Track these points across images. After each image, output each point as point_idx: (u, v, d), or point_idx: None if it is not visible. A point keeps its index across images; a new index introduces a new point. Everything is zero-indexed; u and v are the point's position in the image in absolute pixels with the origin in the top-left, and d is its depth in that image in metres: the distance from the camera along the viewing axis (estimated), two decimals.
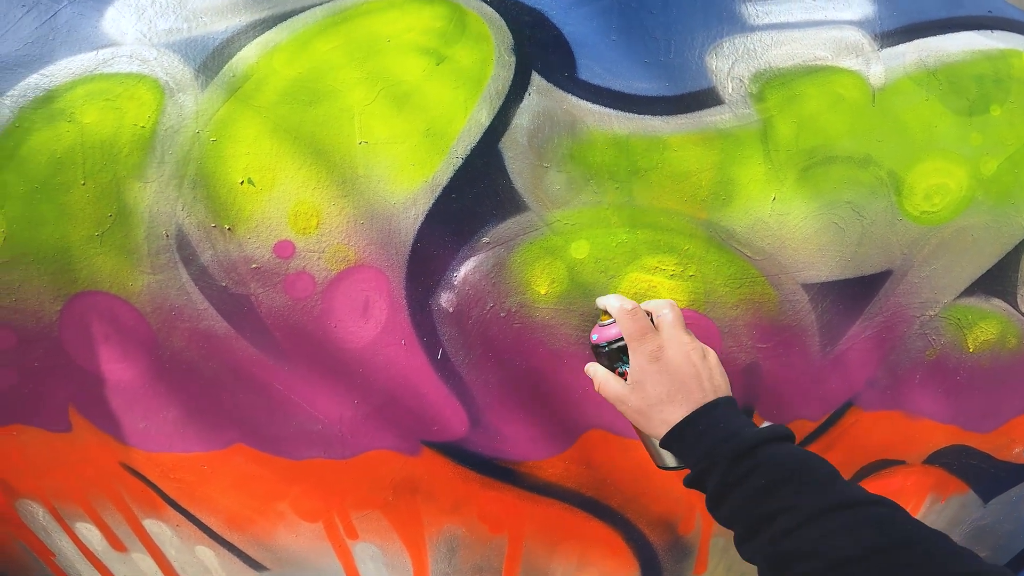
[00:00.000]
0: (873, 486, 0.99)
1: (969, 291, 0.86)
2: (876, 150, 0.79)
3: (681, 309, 0.79)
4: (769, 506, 0.48)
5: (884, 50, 0.78)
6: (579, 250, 0.77)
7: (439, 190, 0.73)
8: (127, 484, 0.81)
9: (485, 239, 0.75)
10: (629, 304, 0.59)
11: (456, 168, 0.73)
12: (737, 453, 0.50)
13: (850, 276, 0.82)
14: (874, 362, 0.86)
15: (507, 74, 0.74)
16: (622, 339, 0.60)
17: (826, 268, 0.81)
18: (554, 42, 0.75)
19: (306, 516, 0.86)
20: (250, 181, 0.68)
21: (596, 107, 0.74)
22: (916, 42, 0.79)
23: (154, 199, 0.67)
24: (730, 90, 0.76)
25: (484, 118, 0.73)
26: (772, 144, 0.77)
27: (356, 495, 0.85)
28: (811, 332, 0.83)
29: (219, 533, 0.86)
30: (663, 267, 0.78)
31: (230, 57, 0.66)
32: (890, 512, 0.47)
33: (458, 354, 0.78)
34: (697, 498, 0.96)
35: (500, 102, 0.73)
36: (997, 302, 0.87)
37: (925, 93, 0.79)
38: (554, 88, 0.74)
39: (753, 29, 0.77)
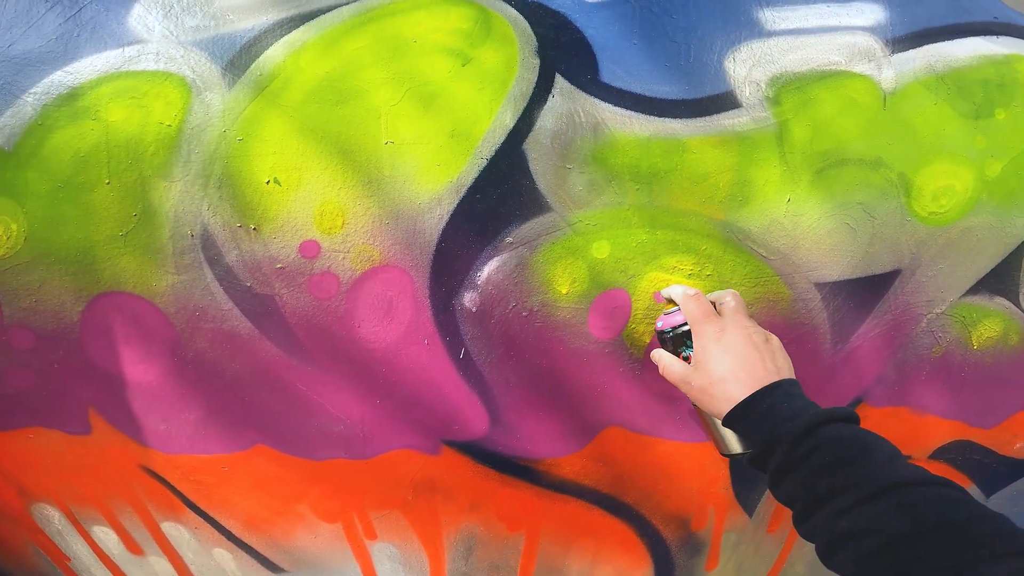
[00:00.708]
0: None
1: (973, 290, 0.85)
2: (887, 153, 0.78)
3: None
4: (828, 484, 0.47)
5: (895, 55, 0.78)
6: (600, 250, 0.75)
7: (464, 190, 0.71)
8: (146, 486, 0.77)
9: (508, 239, 0.73)
10: (692, 290, 0.59)
11: (481, 169, 0.71)
12: (799, 432, 0.49)
13: (861, 275, 0.81)
14: (883, 359, 0.86)
15: (531, 76, 0.72)
16: (685, 325, 0.60)
17: (838, 267, 0.80)
18: (577, 45, 0.73)
19: (326, 517, 0.83)
20: (276, 181, 0.65)
21: (618, 109, 0.73)
22: (925, 47, 0.79)
23: (179, 198, 0.64)
24: (747, 94, 0.75)
25: (508, 119, 0.71)
26: (788, 146, 0.76)
27: (376, 495, 0.83)
28: (823, 330, 0.82)
29: (237, 535, 0.83)
30: (681, 267, 0.76)
31: (257, 55, 0.63)
32: (949, 492, 0.46)
33: (480, 353, 0.76)
34: (710, 495, 0.96)
35: (524, 104, 0.72)
36: (1000, 300, 0.87)
37: (934, 97, 0.79)
38: (577, 90, 0.73)
39: (770, 34, 0.76)
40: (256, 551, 0.85)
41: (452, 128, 0.70)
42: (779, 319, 0.81)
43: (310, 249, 0.69)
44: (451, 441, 0.81)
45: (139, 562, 0.86)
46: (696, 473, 0.89)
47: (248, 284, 0.68)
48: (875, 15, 0.78)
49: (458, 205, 0.71)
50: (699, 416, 0.62)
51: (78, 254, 0.66)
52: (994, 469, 0.98)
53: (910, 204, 0.81)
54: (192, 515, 0.80)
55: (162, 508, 0.79)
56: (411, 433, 0.79)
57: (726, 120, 0.75)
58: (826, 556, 0.49)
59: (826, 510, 0.46)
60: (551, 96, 0.72)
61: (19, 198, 0.65)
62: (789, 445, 0.49)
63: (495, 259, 0.74)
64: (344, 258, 0.70)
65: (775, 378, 0.56)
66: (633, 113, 0.74)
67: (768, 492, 0.79)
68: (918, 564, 0.43)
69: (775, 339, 0.58)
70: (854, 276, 0.81)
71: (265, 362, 0.71)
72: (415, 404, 0.77)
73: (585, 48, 0.74)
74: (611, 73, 0.74)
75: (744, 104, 0.75)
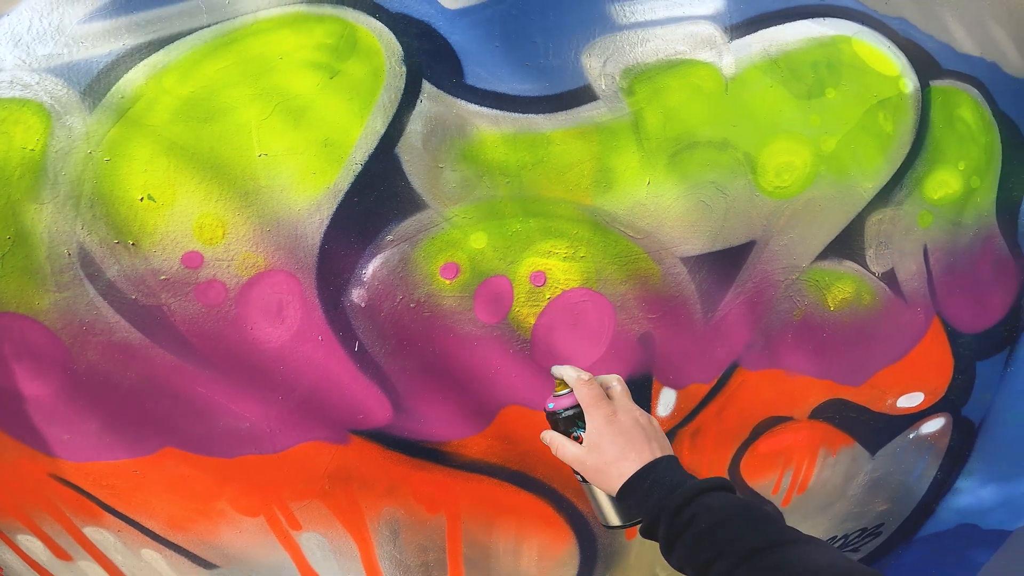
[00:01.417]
0: (769, 443, 1.04)
1: (823, 255, 0.91)
2: (732, 134, 0.83)
3: (575, 288, 0.82)
4: (707, 552, 0.50)
5: (734, 42, 0.83)
6: (478, 241, 0.78)
7: (341, 195, 0.73)
8: (60, 494, 0.78)
9: (389, 237, 0.76)
10: (586, 375, 0.62)
11: (356, 174, 0.73)
12: (679, 503, 0.53)
13: (720, 248, 0.86)
14: (750, 325, 0.91)
15: (399, 83, 0.74)
16: (576, 407, 0.62)
17: (699, 242, 0.85)
18: (442, 51, 0.76)
19: (246, 511, 0.85)
20: (150, 197, 0.67)
21: (484, 109, 0.76)
22: (760, 33, 0.84)
23: (52, 219, 0.65)
24: (604, 86, 0.79)
25: (379, 126, 0.74)
26: (643, 134, 0.80)
27: (292, 487, 0.84)
28: (693, 301, 0.87)
29: (162, 535, 0.84)
30: (556, 251, 0.80)
31: (116, 80, 0.64)
32: (814, 548, 0.48)
33: (375, 345, 0.79)
34: None
35: (394, 110, 0.74)
36: (849, 264, 0.93)
37: (770, 80, 0.84)
38: (444, 94, 0.76)
39: (622, 28, 0.80)
40: (185, 549, 0.86)
41: (324, 138, 0.72)
42: (652, 293, 0.85)
43: (193, 260, 0.70)
44: (358, 430, 0.83)
45: (70, 567, 0.86)
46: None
47: (133, 297, 0.69)
48: (715, 3, 0.83)
49: (337, 209, 0.74)
50: (586, 491, 0.64)
51: None
52: (871, 426, 1.05)
53: (757, 180, 0.86)
54: (113, 519, 0.81)
55: (80, 514, 0.80)
56: (318, 426, 0.81)
57: (585, 112, 0.79)
58: None
59: (712, 573, 0.49)
60: (419, 101, 0.75)
61: None
62: (671, 516, 0.53)
63: (378, 257, 0.76)
64: (229, 266, 0.71)
65: (658, 454, 0.59)
66: (499, 112, 0.77)
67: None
68: None
69: (655, 420, 0.63)
70: (714, 249, 0.86)
71: (161, 369, 0.72)
72: (317, 398, 0.79)
73: (449, 54, 0.76)
74: (475, 76, 0.76)
75: (601, 96, 0.79)
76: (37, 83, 0.62)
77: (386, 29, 0.75)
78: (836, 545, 1.20)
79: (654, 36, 0.81)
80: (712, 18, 0.83)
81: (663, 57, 0.81)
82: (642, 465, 0.57)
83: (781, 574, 0.46)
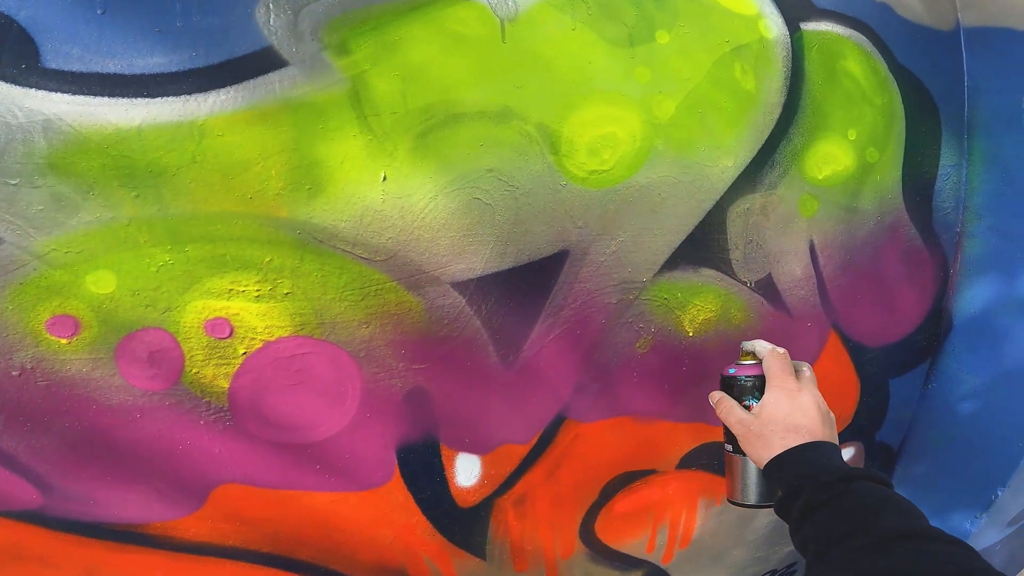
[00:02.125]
0: (628, 502, 0.80)
1: (672, 263, 0.65)
2: (516, 99, 0.56)
3: (285, 338, 0.54)
4: (844, 528, 0.48)
5: None
6: (102, 283, 0.49)
7: None
8: None
9: None
10: (781, 349, 0.60)
11: None
12: (830, 481, 0.51)
13: (515, 264, 0.59)
14: (574, 365, 0.64)
15: None
16: (758, 378, 0.59)
17: (479, 258, 0.58)
18: (4, 32, 0.46)
19: None
20: None
21: (78, 98, 0.47)
22: None
23: None
24: (295, 47, 0.50)
25: None
26: (369, 107, 0.52)
27: None
28: (480, 341, 0.60)
29: None
30: (241, 288, 0.52)
31: None
32: (957, 550, 0.45)
33: None
34: (414, 543, 0.74)
35: None
36: (709, 272, 0.67)
37: (570, 20, 0.57)
38: (8, 85, 0.46)
39: None
40: None
41: None
42: (414, 336, 0.58)
43: None
44: (6, 512, 0.55)
45: None
46: (380, 522, 0.67)
47: None
48: None
49: None
50: (731, 464, 0.61)
51: None
52: None
53: (561, 163, 0.59)
54: None
55: None
56: None
57: (266, 86, 0.50)
58: None
59: (839, 551, 0.46)
60: None
61: None
62: (817, 488, 0.51)
63: None
64: None
65: (827, 439, 0.57)
66: (105, 99, 0.48)
67: (493, 532, 0.70)
68: None
69: (833, 415, 0.60)
70: (505, 266, 0.59)
71: None
72: None
73: (14, 32, 0.47)
74: (62, 56, 0.47)
75: (293, 61, 0.51)
76: None
77: None
78: None
79: None
80: None
81: None
82: (808, 441, 0.56)
83: (915, 566, 0.43)
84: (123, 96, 0.48)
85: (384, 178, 0.53)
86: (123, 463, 0.57)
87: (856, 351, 0.80)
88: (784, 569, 1.04)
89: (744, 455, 0.59)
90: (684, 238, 0.64)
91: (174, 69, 0.49)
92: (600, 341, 0.64)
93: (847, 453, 0.90)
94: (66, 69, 0.47)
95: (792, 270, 0.72)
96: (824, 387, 0.62)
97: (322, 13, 0.51)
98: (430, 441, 0.63)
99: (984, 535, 0.92)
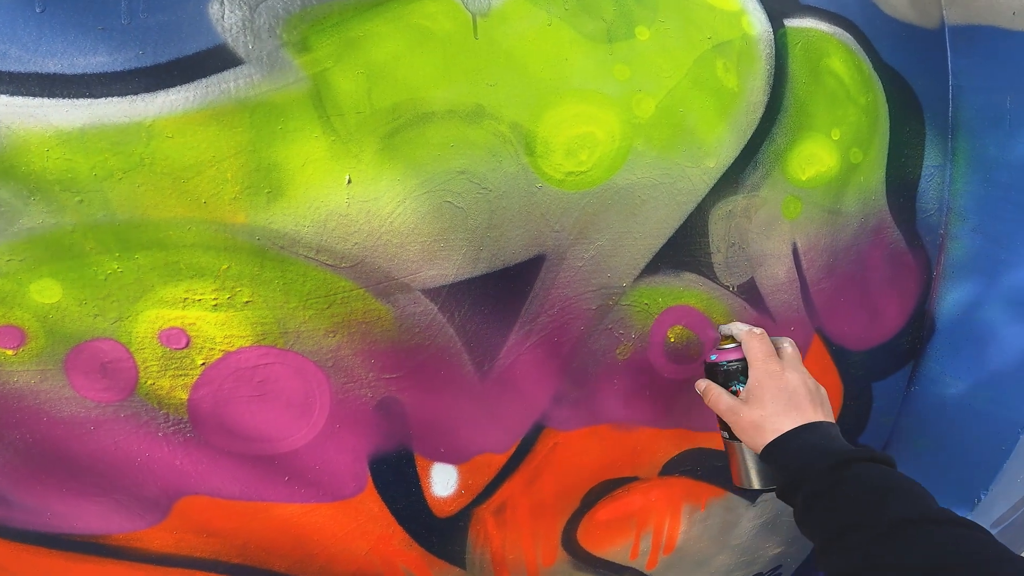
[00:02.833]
0: (610, 510, 0.76)
1: (652, 268, 0.62)
2: (488, 98, 0.52)
3: (247, 348, 0.50)
4: (853, 516, 0.46)
5: None
6: (47, 293, 0.45)
7: None
8: None
9: None
10: (758, 330, 0.58)
11: None
12: (832, 464, 0.49)
13: (488, 270, 0.55)
14: (553, 373, 0.61)
15: None
16: (740, 361, 0.58)
17: (451, 264, 0.54)
18: None
19: None
20: None
21: (16, 99, 0.43)
22: None
23: None
24: (252, 44, 0.47)
25: None
26: (332, 107, 0.49)
27: None
28: (454, 349, 0.57)
29: None
30: (196, 297, 0.48)
31: None
32: (972, 533, 0.43)
33: None
34: (391, 554, 0.71)
35: None
36: (690, 276, 0.64)
37: (546, 16, 0.53)
38: None
39: None
40: None
41: None
42: (384, 345, 0.54)
43: None
44: None
45: None
46: (354, 533, 0.63)
47: None
48: None
49: None
50: (730, 450, 0.60)
51: None
52: None
53: (537, 164, 0.55)
54: None
55: None
56: None
57: (220, 85, 0.46)
58: None
59: (848, 540, 0.45)
60: None
61: None
62: (820, 475, 0.49)
63: None
64: None
65: (822, 418, 0.55)
66: (45, 100, 0.44)
67: (472, 542, 0.68)
68: None
69: (824, 389, 0.58)
70: (479, 273, 0.55)
71: None
72: None
73: None
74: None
75: (249, 59, 0.47)
76: None
77: None
78: None
79: None
80: None
81: None
82: (801, 424, 0.54)
83: (927, 553, 0.41)
84: (64, 97, 0.44)
85: (349, 181, 0.50)
86: (78, 475, 0.53)
87: (839, 355, 0.77)
88: (769, 572, 1.02)
89: (740, 441, 0.56)
90: (665, 242, 0.61)
91: (119, 68, 0.45)
92: (579, 348, 0.61)
93: None
94: (3, 70, 0.44)
95: (775, 273, 0.69)
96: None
97: (280, 9, 0.47)
98: (404, 451, 0.60)
99: None
